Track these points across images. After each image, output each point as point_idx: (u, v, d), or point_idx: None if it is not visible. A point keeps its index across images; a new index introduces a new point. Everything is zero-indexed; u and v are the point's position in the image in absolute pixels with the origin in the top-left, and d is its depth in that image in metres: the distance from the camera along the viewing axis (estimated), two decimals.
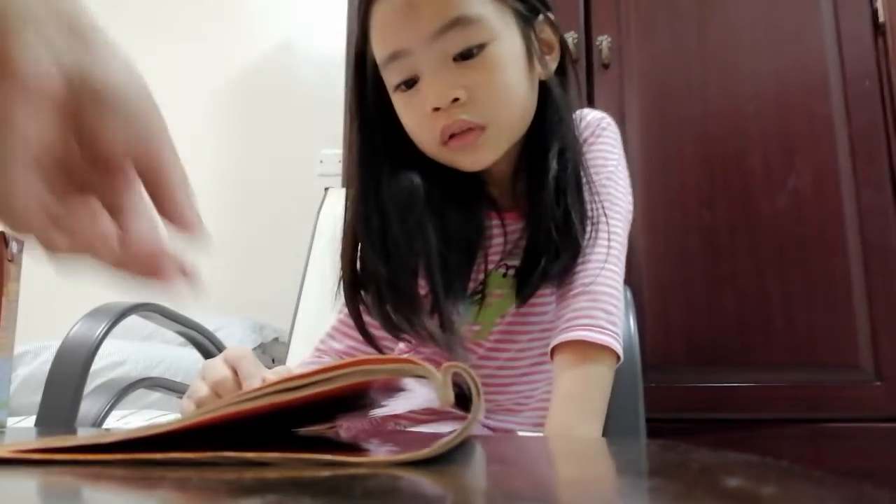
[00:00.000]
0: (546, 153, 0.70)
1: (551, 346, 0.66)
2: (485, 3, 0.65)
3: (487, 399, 0.78)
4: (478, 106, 0.65)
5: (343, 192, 0.78)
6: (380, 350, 0.74)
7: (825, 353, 1.26)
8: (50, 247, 0.32)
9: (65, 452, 0.28)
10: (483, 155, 0.68)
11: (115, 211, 0.35)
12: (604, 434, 0.65)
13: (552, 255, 0.68)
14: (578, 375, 0.63)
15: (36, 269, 1.03)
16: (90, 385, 0.84)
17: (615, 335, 0.64)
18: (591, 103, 1.39)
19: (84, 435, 0.33)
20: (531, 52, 0.68)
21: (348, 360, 0.29)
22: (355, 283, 0.72)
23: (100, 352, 0.84)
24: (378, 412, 0.47)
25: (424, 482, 0.24)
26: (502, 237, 0.74)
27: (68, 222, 0.32)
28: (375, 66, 0.69)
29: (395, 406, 0.43)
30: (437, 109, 0.65)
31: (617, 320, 0.65)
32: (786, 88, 1.36)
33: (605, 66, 1.42)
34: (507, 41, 0.66)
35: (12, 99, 0.30)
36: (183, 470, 0.26)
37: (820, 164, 1.32)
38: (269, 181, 2.07)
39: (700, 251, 1.33)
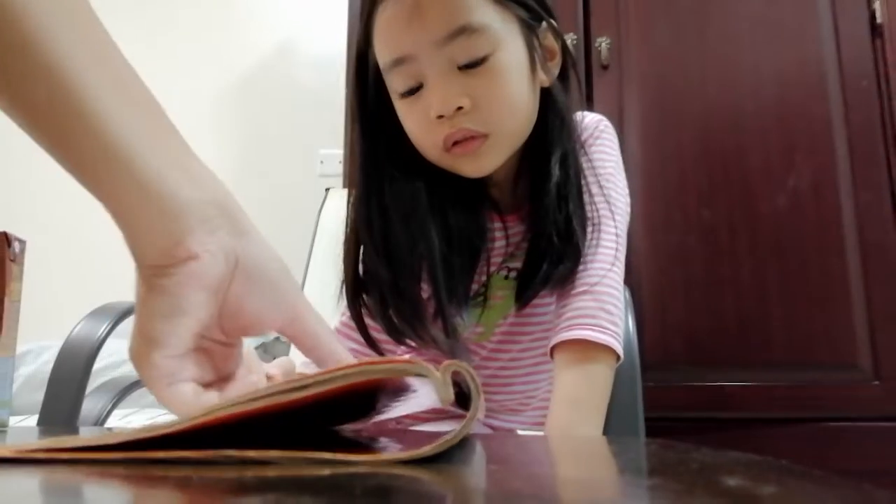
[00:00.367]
0: (548, 158, 0.70)
1: (551, 344, 0.66)
2: (490, 12, 0.64)
3: (490, 399, 0.79)
4: (481, 114, 0.65)
5: (344, 192, 0.78)
6: (381, 353, 0.75)
7: (824, 352, 1.26)
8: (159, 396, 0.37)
9: (67, 452, 0.28)
10: (485, 162, 0.68)
11: (225, 378, 0.41)
12: (604, 433, 0.65)
13: (554, 260, 0.68)
14: (579, 375, 0.64)
15: (38, 269, 1.03)
16: (92, 384, 0.84)
17: (616, 335, 0.64)
18: (590, 104, 1.39)
19: (86, 436, 0.33)
20: (534, 60, 0.68)
21: (348, 361, 0.29)
22: (357, 287, 0.72)
23: (102, 351, 0.84)
24: (386, 415, 0.47)
25: (424, 481, 0.24)
26: (504, 239, 0.74)
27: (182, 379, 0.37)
28: (377, 68, 0.69)
29: (402, 408, 0.43)
30: (441, 117, 0.65)
31: (618, 320, 0.66)
32: (784, 89, 1.36)
33: (605, 67, 1.42)
34: (511, 50, 0.66)
35: (189, 287, 0.36)
36: (184, 469, 0.26)
37: (818, 163, 1.32)
38: (270, 182, 2.07)
39: (699, 251, 1.33)
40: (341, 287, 0.73)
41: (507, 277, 0.74)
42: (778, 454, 0.27)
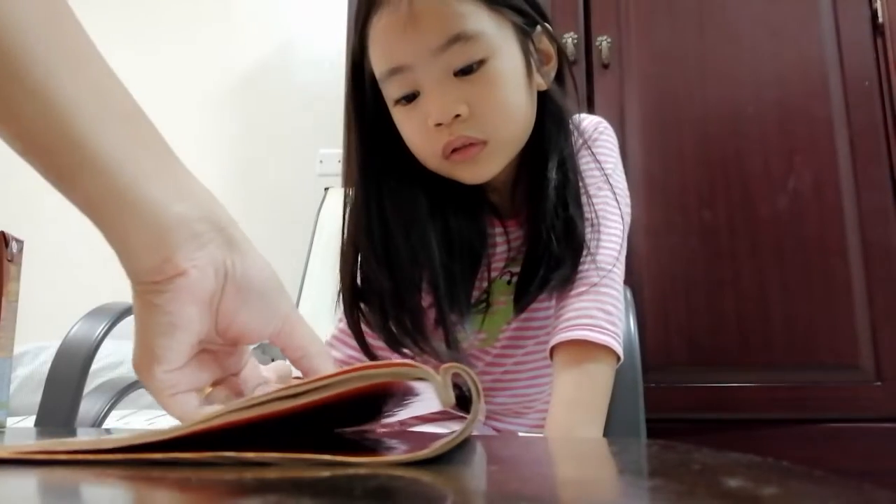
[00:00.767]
0: (545, 163, 0.70)
1: (551, 344, 0.66)
2: (484, 19, 0.64)
3: (494, 402, 0.78)
4: (479, 121, 0.65)
5: (343, 192, 0.77)
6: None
7: (825, 353, 1.26)
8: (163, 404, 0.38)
9: (66, 453, 0.28)
10: (484, 169, 0.68)
11: (232, 377, 0.42)
12: (604, 434, 0.65)
13: (552, 265, 0.68)
14: (579, 376, 0.63)
15: (36, 270, 1.03)
16: (90, 385, 0.84)
17: (615, 335, 0.64)
18: (590, 104, 1.40)
19: (84, 439, 0.33)
20: (530, 65, 0.68)
21: (347, 367, 0.29)
22: (355, 297, 0.72)
23: (99, 352, 0.84)
24: (391, 419, 0.47)
25: (424, 482, 0.24)
26: (506, 244, 0.74)
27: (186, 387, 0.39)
28: (373, 76, 0.68)
29: (407, 412, 0.43)
30: (439, 125, 0.64)
31: (617, 321, 0.66)
32: (786, 89, 1.36)
33: (605, 67, 1.42)
34: (506, 55, 0.65)
35: (180, 302, 0.36)
36: (183, 470, 0.26)
37: (820, 164, 1.32)
38: (269, 181, 2.07)
39: (700, 252, 1.33)
40: (338, 297, 0.73)
41: (509, 282, 0.73)
42: (779, 455, 0.27)
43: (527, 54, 0.68)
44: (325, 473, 0.24)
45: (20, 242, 0.55)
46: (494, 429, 0.79)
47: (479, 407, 0.28)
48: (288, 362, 0.54)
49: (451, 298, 0.68)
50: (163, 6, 2.19)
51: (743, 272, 1.31)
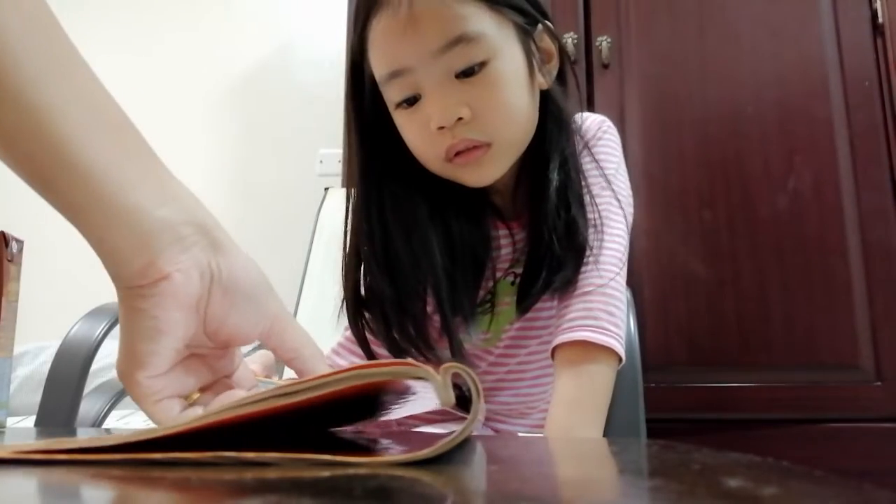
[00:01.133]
0: (547, 163, 0.69)
1: (553, 344, 0.65)
2: (485, 20, 0.63)
3: (499, 402, 0.78)
4: (482, 124, 0.64)
5: (343, 192, 0.77)
6: None
7: (825, 353, 1.26)
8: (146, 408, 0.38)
9: (65, 453, 0.28)
10: (488, 171, 0.67)
11: (224, 378, 0.42)
12: (604, 434, 0.65)
13: (554, 266, 0.67)
14: (580, 376, 0.63)
15: (36, 270, 1.02)
16: (90, 385, 0.84)
17: (618, 337, 0.64)
18: (590, 104, 1.39)
19: (84, 437, 0.33)
20: (532, 64, 0.67)
21: (345, 365, 0.29)
22: (359, 305, 0.71)
23: (100, 352, 0.84)
24: (388, 416, 0.47)
25: (424, 482, 0.24)
26: (510, 246, 0.73)
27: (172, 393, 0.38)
28: (373, 79, 0.68)
29: (405, 410, 0.43)
30: (441, 128, 0.64)
31: (620, 322, 0.65)
32: (786, 89, 1.36)
33: (605, 67, 1.42)
34: (508, 56, 0.65)
35: (165, 307, 0.36)
36: (183, 470, 0.26)
37: (820, 165, 1.32)
38: (269, 181, 2.07)
39: (700, 252, 1.33)
40: (342, 304, 0.72)
41: (513, 283, 0.73)
42: (779, 455, 0.27)
43: (528, 54, 0.67)
44: (325, 473, 0.24)
45: (20, 242, 0.55)
46: (496, 430, 0.79)
47: (479, 407, 0.28)
48: (269, 352, 0.54)
49: (453, 304, 0.68)
50: (163, 6, 2.19)
51: (743, 272, 1.31)
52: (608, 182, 0.72)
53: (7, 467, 0.27)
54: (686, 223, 1.34)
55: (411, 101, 0.66)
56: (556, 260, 0.67)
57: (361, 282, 0.71)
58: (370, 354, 0.72)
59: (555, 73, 0.72)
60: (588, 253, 0.68)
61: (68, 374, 0.80)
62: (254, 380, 0.45)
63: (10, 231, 0.54)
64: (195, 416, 0.29)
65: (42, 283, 1.63)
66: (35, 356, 1.49)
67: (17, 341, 0.56)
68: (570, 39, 1.39)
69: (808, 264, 1.29)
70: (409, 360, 0.29)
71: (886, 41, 1.33)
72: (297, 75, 2.13)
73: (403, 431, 0.74)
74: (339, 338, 0.82)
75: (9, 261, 0.54)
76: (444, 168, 0.67)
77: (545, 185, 0.69)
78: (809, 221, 1.30)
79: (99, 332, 0.84)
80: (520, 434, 0.78)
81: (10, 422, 0.68)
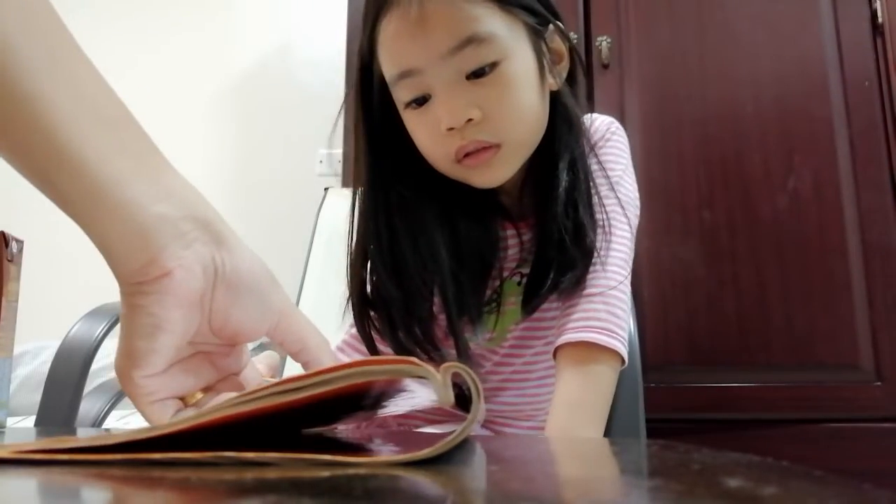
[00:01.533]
0: (556, 163, 0.69)
1: (557, 344, 0.65)
2: (496, 21, 0.63)
3: (505, 402, 0.78)
4: (492, 125, 0.64)
5: (343, 192, 0.77)
6: None
7: (825, 353, 1.26)
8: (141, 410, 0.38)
9: (65, 453, 0.28)
10: (498, 173, 0.67)
11: (233, 376, 0.42)
12: (604, 435, 0.65)
13: (562, 267, 0.67)
14: (583, 377, 0.63)
15: (36, 270, 1.03)
16: (90, 385, 0.84)
17: (622, 339, 0.64)
18: (590, 104, 1.39)
19: (84, 437, 0.33)
20: (543, 66, 0.67)
21: (348, 361, 0.29)
22: (365, 306, 0.71)
23: (99, 352, 0.84)
24: (381, 412, 0.47)
25: (424, 482, 0.24)
26: (518, 246, 0.73)
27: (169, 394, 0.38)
28: (382, 80, 0.67)
29: (397, 406, 0.43)
30: (451, 129, 0.63)
31: (624, 324, 0.65)
32: (785, 89, 1.36)
33: (605, 67, 1.42)
34: (519, 57, 0.64)
35: (164, 305, 0.35)
36: (183, 470, 0.26)
37: (820, 164, 1.32)
38: (269, 181, 2.07)
39: (700, 252, 1.33)
40: (346, 303, 0.72)
41: (519, 283, 0.73)
42: (779, 455, 0.27)
43: (539, 55, 0.67)
44: (325, 473, 0.24)
45: (20, 242, 0.55)
46: (502, 434, 0.79)
47: (479, 407, 0.28)
48: (274, 353, 0.54)
49: (460, 306, 0.67)
50: (163, 7, 2.19)
51: (743, 272, 1.31)
52: (616, 184, 0.72)
53: (7, 467, 0.27)
54: (686, 223, 1.34)
55: (421, 102, 0.65)
56: (564, 260, 0.67)
57: (367, 282, 0.71)
58: (375, 353, 0.71)
59: (565, 73, 0.71)
60: (596, 254, 0.67)
61: (68, 373, 0.80)
62: (261, 379, 0.44)
63: (10, 231, 0.54)
64: (193, 414, 0.29)
65: (42, 283, 1.63)
66: (35, 356, 1.49)
67: (17, 341, 0.56)
68: None
69: (808, 264, 1.29)
70: (410, 357, 0.29)
71: (886, 41, 1.33)
72: (297, 75, 2.13)
73: (403, 431, 0.74)
74: (342, 335, 0.82)
75: (9, 261, 0.54)
76: (454, 169, 0.67)
77: (554, 186, 0.68)
78: (809, 221, 1.30)
79: (99, 332, 0.84)
80: (519, 433, 0.78)
81: (10, 422, 0.68)
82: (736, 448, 0.29)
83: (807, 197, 1.31)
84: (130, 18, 2.17)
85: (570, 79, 0.72)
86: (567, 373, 0.64)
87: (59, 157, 0.34)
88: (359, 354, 0.77)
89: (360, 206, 0.72)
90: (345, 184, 1.54)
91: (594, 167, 0.72)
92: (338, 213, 1.33)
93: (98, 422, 0.82)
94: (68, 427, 0.78)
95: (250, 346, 0.44)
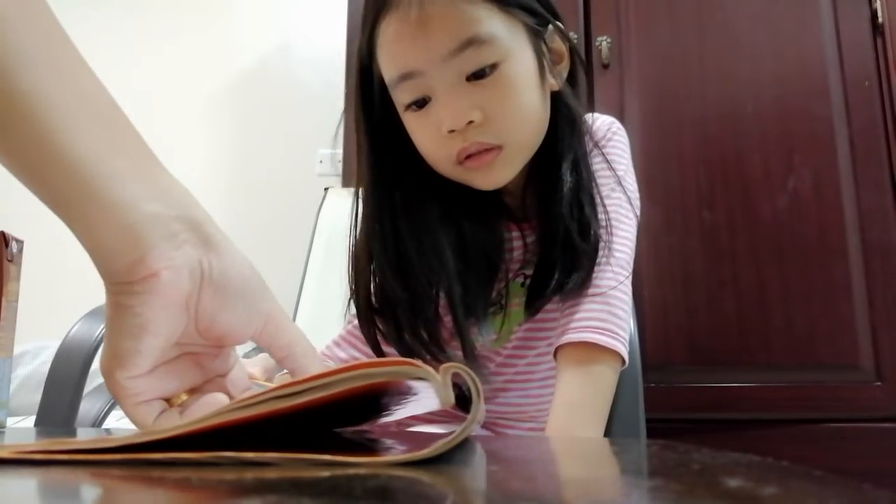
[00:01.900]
0: (559, 164, 0.69)
1: (558, 344, 0.65)
2: (496, 22, 0.63)
3: (507, 404, 0.78)
4: (494, 127, 0.64)
5: (343, 191, 0.77)
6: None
7: (825, 353, 1.26)
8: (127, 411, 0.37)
9: (65, 453, 0.28)
10: (500, 175, 0.67)
11: (219, 376, 0.41)
12: (604, 435, 0.65)
13: (566, 268, 0.67)
14: (584, 378, 0.63)
15: (36, 270, 1.03)
16: (90, 385, 0.84)
17: (623, 340, 0.64)
18: (590, 104, 1.39)
19: (84, 439, 0.33)
20: (543, 66, 0.67)
21: (348, 363, 0.29)
22: (370, 308, 0.71)
23: (99, 352, 0.84)
24: (390, 418, 0.47)
25: (424, 482, 0.24)
26: (522, 248, 0.73)
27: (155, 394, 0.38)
28: (382, 81, 0.67)
29: (406, 410, 0.43)
30: (452, 131, 0.63)
31: (625, 325, 0.65)
32: (785, 89, 1.36)
33: (605, 67, 1.42)
34: (519, 58, 0.64)
35: (151, 305, 0.35)
36: (183, 470, 0.26)
37: (820, 164, 1.32)
38: (269, 181, 2.07)
39: (700, 252, 1.33)
40: (348, 303, 0.72)
41: (523, 284, 0.73)
42: (779, 455, 0.27)
43: (539, 55, 0.67)
44: (325, 473, 0.24)
45: (20, 242, 0.55)
46: (500, 435, 0.79)
47: (480, 407, 0.28)
48: (266, 355, 0.53)
49: (466, 307, 0.67)
50: (163, 7, 2.20)
51: (743, 272, 1.31)
52: (618, 184, 0.72)
53: (7, 467, 0.27)
54: (686, 223, 1.34)
55: (421, 104, 0.65)
56: (568, 261, 0.67)
57: (371, 284, 0.71)
58: (380, 355, 0.71)
59: (565, 73, 0.71)
60: (600, 254, 0.67)
61: (68, 374, 0.80)
62: (248, 382, 0.44)
63: (10, 231, 0.54)
64: (193, 419, 0.29)
65: (42, 283, 1.63)
66: (35, 356, 1.49)
67: (17, 341, 0.56)
68: None
69: (808, 264, 1.29)
70: (410, 359, 0.29)
71: (886, 41, 1.33)
72: (297, 75, 2.13)
73: (403, 431, 0.74)
74: (340, 330, 0.81)
75: (9, 261, 0.54)
76: (455, 171, 0.67)
77: (557, 187, 0.68)
78: (809, 221, 1.30)
79: (99, 332, 0.84)
80: (520, 434, 0.78)
81: (10, 422, 0.68)
82: (736, 448, 0.29)
83: (807, 197, 1.31)
84: (131, 18, 2.17)
85: (571, 79, 0.72)
86: (567, 373, 0.64)
87: (52, 154, 0.33)
88: (355, 350, 0.77)
89: (362, 209, 0.71)
90: (345, 184, 1.54)
91: (596, 167, 0.72)
92: (338, 213, 1.33)
93: (98, 422, 0.82)
94: (68, 427, 0.78)
95: (247, 348, 0.44)
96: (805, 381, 1.26)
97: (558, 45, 0.71)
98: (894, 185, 1.30)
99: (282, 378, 0.67)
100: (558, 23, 0.70)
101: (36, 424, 0.81)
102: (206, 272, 0.37)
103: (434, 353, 0.67)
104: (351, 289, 0.72)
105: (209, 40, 2.18)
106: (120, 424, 1.14)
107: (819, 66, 1.35)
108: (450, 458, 0.27)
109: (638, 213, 0.75)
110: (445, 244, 0.68)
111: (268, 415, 0.29)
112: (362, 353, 0.75)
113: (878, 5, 1.35)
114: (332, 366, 0.79)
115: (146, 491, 0.24)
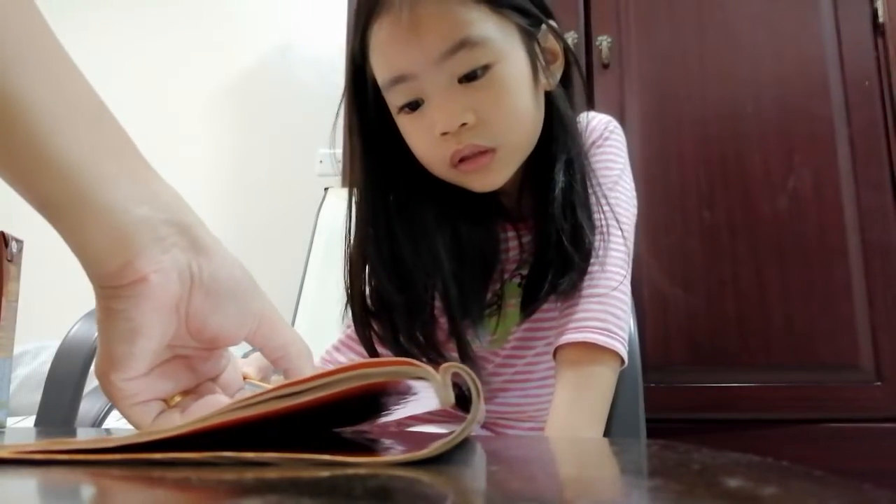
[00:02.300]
0: (552, 165, 0.69)
1: (557, 344, 0.65)
2: (488, 24, 0.63)
3: (507, 404, 0.78)
4: (487, 128, 0.64)
5: (342, 192, 0.77)
6: None
7: (825, 353, 1.26)
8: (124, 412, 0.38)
9: (65, 453, 0.28)
10: (495, 177, 0.67)
11: (212, 378, 0.42)
12: (604, 435, 0.65)
13: (560, 269, 0.67)
14: (583, 378, 0.63)
15: (36, 270, 1.03)
16: (90, 385, 0.84)
17: (622, 339, 0.64)
18: (590, 104, 1.39)
19: (84, 439, 0.33)
20: (536, 67, 0.67)
21: (346, 364, 0.29)
22: (365, 311, 0.70)
23: None
24: (389, 417, 0.47)
25: (424, 482, 0.24)
26: (518, 248, 0.73)
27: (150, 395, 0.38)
28: (375, 83, 0.67)
29: (406, 410, 0.43)
30: (445, 134, 0.63)
31: (624, 324, 0.65)
32: (786, 89, 1.36)
33: (605, 67, 1.42)
34: (512, 60, 0.64)
35: (142, 309, 0.35)
36: (183, 470, 0.26)
37: (820, 164, 1.32)
38: (269, 181, 2.07)
39: (700, 252, 1.33)
40: (345, 307, 0.72)
41: (519, 285, 0.73)
42: (779, 455, 0.27)
43: (532, 56, 0.66)
44: (325, 473, 0.24)
45: (20, 242, 0.55)
46: (500, 435, 0.79)
47: (480, 406, 0.28)
48: (259, 355, 0.53)
49: (462, 308, 0.67)
50: (163, 6, 2.19)
51: (743, 272, 1.31)
52: (614, 183, 0.72)
53: (7, 467, 0.27)
54: (686, 223, 1.34)
55: (414, 106, 0.65)
56: (562, 262, 0.67)
57: (366, 286, 0.71)
58: (375, 357, 0.71)
59: (559, 73, 0.71)
60: (594, 255, 0.67)
61: (68, 373, 0.80)
62: (241, 383, 0.44)
63: (10, 231, 0.54)
64: (192, 420, 0.29)
65: (42, 283, 1.63)
66: (35, 356, 1.49)
67: (17, 341, 0.56)
68: (570, 39, 1.39)
69: (808, 264, 1.29)
70: (409, 359, 0.29)
71: (887, 40, 1.33)
72: (297, 75, 2.13)
73: (403, 431, 0.74)
74: (340, 335, 0.82)
75: (9, 261, 0.54)
76: (450, 173, 0.67)
77: (551, 186, 0.68)
78: (809, 221, 1.30)
79: None
80: (519, 434, 0.78)
81: (10, 422, 0.68)
82: (736, 448, 0.29)
83: (807, 197, 1.31)
84: (131, 17, 2.17)
85: (566, 78, 0.72)
86: (566, 373, 0.64)
87: (39, 156, 0.33)
88: (355, 354, 0.77)
89: (356, 211, 0.71)
90: (344, 184, 1.53)
91: (592, 166, 0.72)
92: (338, 213, 1.33)
93: (98, 422, 0.82)
94: (68, 427, 0.78)
95: (247, 348, 0.44)
96: (805, 381, 1.26)
97: (552, 44, 0.70)
98: (894, 185, 1.30)
99: (277, 378, 0.67)
100: (552, 22, 0.70)
101: (36, 424, 0.81)
102: (196, 275, 0.37)
103: (430, 354, 0.67)
104: (347, 292, 0.72)
105: (209, 40, 2.18)
106: (120, 424, 1.14)
107: (819, 66, 1.35)
108: (450, 458, 0.27)
109: (635, 212, 0.74)
110: (441, 246, 0.68)
111: (268, 415, 0.29)
112: (362, 357, 0.75)
113: (878, 5, 1.35)
114: (342, 359, 0.79)
115: (146, 491, 0.24)
